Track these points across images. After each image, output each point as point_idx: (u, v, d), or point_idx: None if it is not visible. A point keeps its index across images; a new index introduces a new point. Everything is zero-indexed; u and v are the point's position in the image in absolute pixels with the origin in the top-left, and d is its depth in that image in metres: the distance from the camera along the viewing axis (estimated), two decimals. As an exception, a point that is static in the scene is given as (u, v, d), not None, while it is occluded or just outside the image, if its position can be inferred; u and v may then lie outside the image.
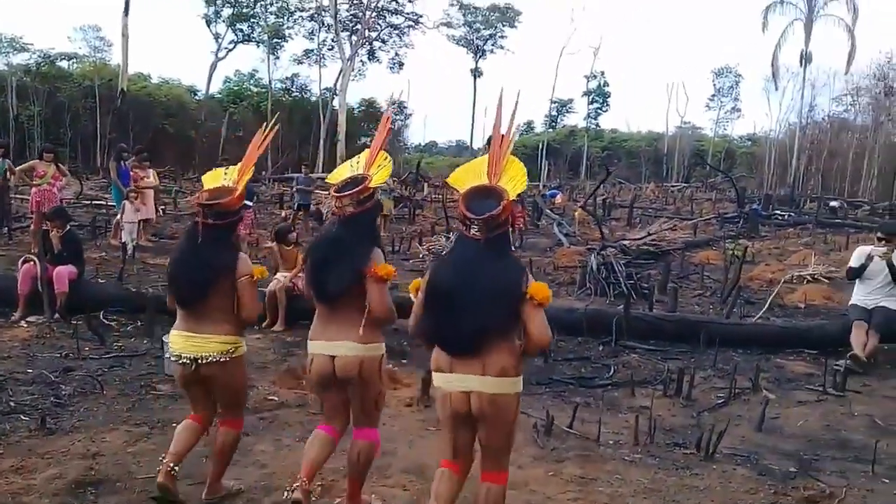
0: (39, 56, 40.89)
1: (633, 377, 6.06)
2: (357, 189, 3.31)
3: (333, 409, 3.48)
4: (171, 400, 5.17)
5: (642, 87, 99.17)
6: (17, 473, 3.83)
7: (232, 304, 3.47)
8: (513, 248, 3.10)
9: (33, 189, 11.03)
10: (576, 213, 19.19)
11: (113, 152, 12.83)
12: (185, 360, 3.44)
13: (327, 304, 3.33)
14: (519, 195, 3.17)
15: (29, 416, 4.67)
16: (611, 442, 4.74)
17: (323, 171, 35.19)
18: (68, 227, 7.75)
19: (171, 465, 3.43)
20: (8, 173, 10.79)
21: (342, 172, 3.54)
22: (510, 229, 2.97)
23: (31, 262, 7.23)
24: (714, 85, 58.70)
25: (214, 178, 3.65)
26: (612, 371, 6.40)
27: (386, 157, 3.51)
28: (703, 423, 5.11)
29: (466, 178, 3.10)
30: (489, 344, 2.84)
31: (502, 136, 3.12)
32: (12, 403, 4.87)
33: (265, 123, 3.83)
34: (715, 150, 57.81)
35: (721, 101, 58.94)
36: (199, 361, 3.42)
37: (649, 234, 14.49)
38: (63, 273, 7.20)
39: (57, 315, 7.11)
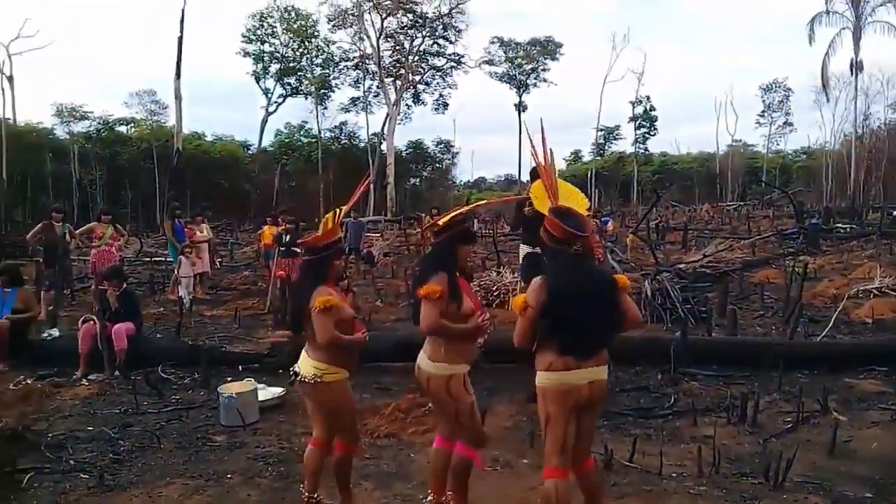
0: (99, 123, 42.75)
1: (694, 405, 5.86)
2: (428, 225, 3.90)
3: (435, 417, 4.10)
4: (228, 451, 5.19)
5: (690, 108, 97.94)
6: (77, 532, 3.87)
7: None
8: None
9: (92, 251, 11.41)
10: (628, 240, 18.92)
11: (168, 211, 13.19)
12: (293, 372, 3.84)
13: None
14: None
15: (88, 473, 4.73)
16: (674, 474, 4.56)
17: (374, 215, 35.62)
18: (125, 285, 7.95)
19: (307, 494, 3.87)
20: (68, 236, 11.19)
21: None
22: None
23: (91, 322, 7.42)
24: (763, 101, 57.80)
25: (328, 220, 3.95)
26: (672, 400, 6.19)
27: (465, 208, 4.12)
28: (770, 450, 4.89)
29: (544, 201, 3.45)
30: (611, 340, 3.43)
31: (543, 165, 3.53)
32: (72, 462, 4.95)
33: (367, 173, 4.22)
34: (769, 166, 56.74)
35: (772, 117, 57.94)
36: (297, 377, 3.80)
37: (705, 256, 14.17)
38: (121, 330, 7.36)
39: (117, 372, 7.25)
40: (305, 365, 3.76)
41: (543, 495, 3.34)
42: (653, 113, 58.50)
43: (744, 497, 4.18)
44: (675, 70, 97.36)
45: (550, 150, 3.51)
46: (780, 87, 57.01)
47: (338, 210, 3.95)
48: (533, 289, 3.33)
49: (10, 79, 37.84)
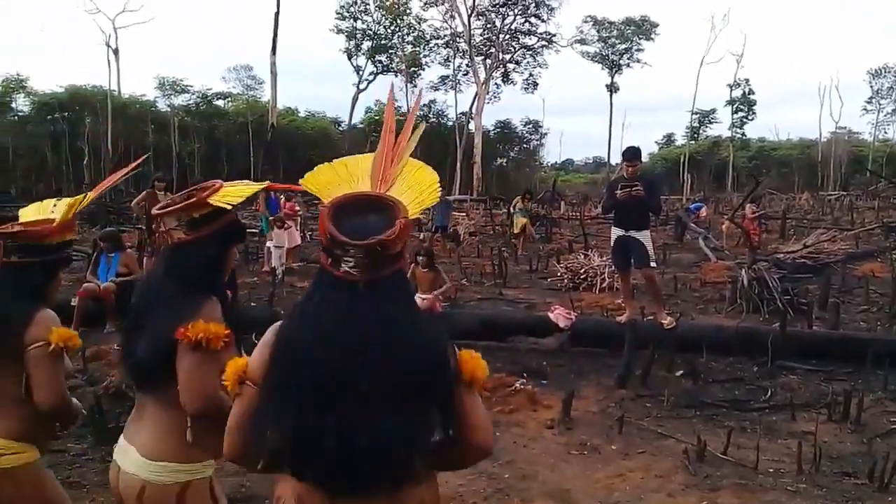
0: (198, 96, 44.18)
1: (792, 400, 5.63)
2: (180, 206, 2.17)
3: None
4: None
5: (791, 92, 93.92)
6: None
7: None
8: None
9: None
10: (723, 227, 18.33)
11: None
12: None
13: None
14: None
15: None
16: (770, 470, 4.40)
17: (460, 194, 35.69)
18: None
19: None
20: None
21: None
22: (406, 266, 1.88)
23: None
24: (871, 86, 54.88)
25: (69, 206, 2.57)
26: (769, 393, 5.97)
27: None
28: (875, 450, 4.66)
29: (333, 180, 1.74)
30: (410, 472, 1.57)
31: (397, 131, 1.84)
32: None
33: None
34: (875, 155, 53.88)
35: (880, 103, 54.97)
36: None
37: (806, 247, 13.56)
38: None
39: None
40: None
41: None
42: (751, 96, 56.29)
43: (846, 497, 4.00)
44: (777, 52, 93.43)
45: (419, 120, 2.17)
46: (890, 72, 54.03)
47: (82, 197, 2.55)
48: (262, 344, 1.67)
49: (116, 52, 39.62)
